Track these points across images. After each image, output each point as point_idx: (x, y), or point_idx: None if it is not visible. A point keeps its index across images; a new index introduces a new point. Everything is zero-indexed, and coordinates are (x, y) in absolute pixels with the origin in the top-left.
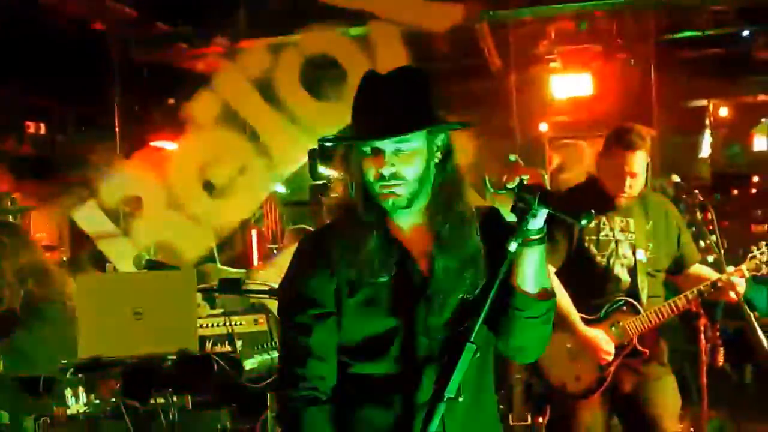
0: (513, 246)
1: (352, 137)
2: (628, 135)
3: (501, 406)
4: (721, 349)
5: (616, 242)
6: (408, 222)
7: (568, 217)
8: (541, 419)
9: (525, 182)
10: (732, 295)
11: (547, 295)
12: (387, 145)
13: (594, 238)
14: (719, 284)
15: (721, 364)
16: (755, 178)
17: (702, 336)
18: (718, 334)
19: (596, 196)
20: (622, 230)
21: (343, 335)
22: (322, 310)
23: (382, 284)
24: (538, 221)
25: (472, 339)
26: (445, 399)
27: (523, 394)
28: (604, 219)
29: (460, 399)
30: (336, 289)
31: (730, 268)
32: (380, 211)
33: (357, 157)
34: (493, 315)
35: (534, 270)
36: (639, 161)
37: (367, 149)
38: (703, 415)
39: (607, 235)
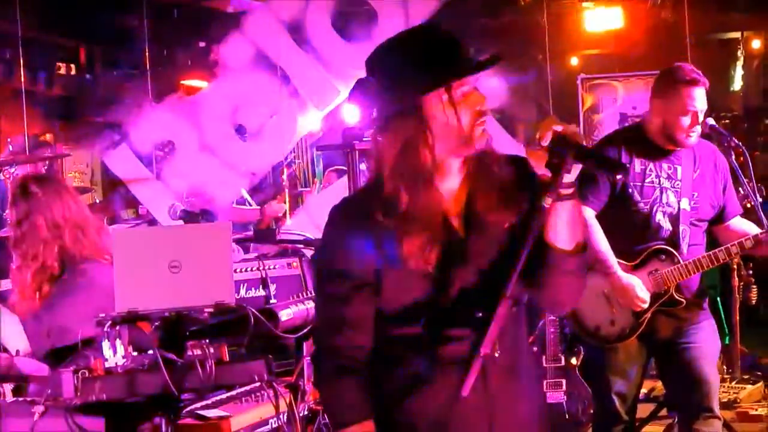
0: (547, 201)
1: (454, 74)
2: (689, 72)
3: (534, 348)
4: (754, 287)
5: (662, 190)
6: (447, 182)
7: (603, 171)
8: (574, 360)
9: (559, 139)
10: None
11: (582, 248)
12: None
13: (639, 184)
14: (762, 238)
15: (754, 302)
16: None
17: (735, 274)
18: (751, 272)
19: (644, 142)
20: (668, 177)
21: (381, 301)
22: (360, 280)
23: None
24: (571, 176)
25: (507, 294)
26: (481, 354)
27: (556, 336)
28: (651, 165)
29: (497, 354)
30: (374, 258)
31: None
32: (424, 175)
33: (450, 105)
34: (528, 269)
35: (568, 224)
36: (704, 97)
37: (469, 88)
38: (736, 351)
39: (652, 182)
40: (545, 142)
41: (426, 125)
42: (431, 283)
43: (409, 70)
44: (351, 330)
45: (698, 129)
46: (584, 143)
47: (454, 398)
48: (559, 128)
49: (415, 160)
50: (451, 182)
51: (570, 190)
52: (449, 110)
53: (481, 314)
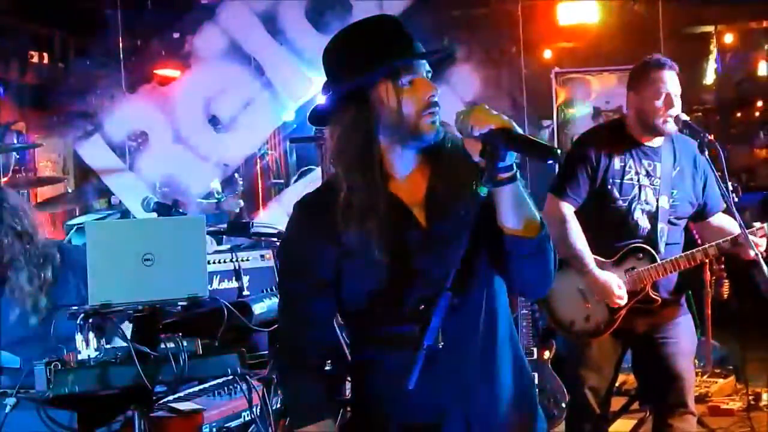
0: (484, 191)
1: (405, 59)
2: (658, 58)
3: None
4: (726, 282)
5: (640, 187)
6: (404, 171)
7: (536, 157)
8: (547, 353)
9: (493, 127)
10: (752, 253)
11: (536, 228)
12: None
13: (618, 181)
14: (740, 240)
15: (726, 297)
16: (759, 103)
17: (707, 269)
18: (723, 267)
19: (623, 138)
20: (647, 175)
21: (345, 297)
22: (321, 278)
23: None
24: (506, 162)
25: (447, 286)
26: (424, 347)
27: (528, 329)
28: (630, 162)
29: (440, 345)
30: (336, 254)
31: (756, 224)
32: (381, 167)
33: (393, 92)
34: (495, 257)
35: (513, 206)
36: (677, 81)
37: (416, 77)
38: (707, 346)
39: (631, 179)
40: (477, 132)
41: (369, 111)
42: (392, 276)
43: (352, 56)
44: (311, 328)
45: (675, 112)
46: (516, 129)
47: (426, 391)
48: (492, 126)
49: (354, 145)
50: (408, 171)
51: (508, 174)
52: (393, 97)
53: (421, 307)
